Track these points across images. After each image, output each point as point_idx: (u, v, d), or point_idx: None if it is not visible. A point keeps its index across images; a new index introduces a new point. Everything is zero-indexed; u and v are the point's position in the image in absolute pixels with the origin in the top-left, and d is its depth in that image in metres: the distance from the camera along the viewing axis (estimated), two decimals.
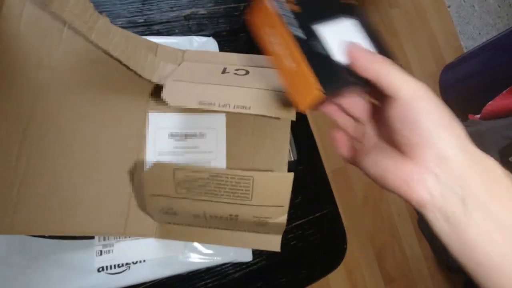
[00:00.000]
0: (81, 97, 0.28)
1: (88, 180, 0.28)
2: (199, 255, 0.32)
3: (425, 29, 1.33)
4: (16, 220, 0.25)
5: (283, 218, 0.27)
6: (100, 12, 0.27)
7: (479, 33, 1.38)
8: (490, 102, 0.97)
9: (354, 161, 0.24)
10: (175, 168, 0.25)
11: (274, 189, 0.26)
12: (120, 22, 0.36)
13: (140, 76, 0.28)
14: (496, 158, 0.18)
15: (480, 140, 0.89)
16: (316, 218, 0.40)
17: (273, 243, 0.29)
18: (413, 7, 1.33)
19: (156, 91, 0.30)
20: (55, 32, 0.27)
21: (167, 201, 0.27)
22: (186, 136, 0.31)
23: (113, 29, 0.27)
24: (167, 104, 0.24)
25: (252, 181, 0.25)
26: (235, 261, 0.34)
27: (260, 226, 0.28)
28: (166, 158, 0.30)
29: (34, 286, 0.28)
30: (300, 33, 0.20)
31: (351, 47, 0.21)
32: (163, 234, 0.30)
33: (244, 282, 0.35)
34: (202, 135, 0.31)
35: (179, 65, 0.30)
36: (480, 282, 0.18)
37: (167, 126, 0.31)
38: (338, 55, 0.21)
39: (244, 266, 0.35)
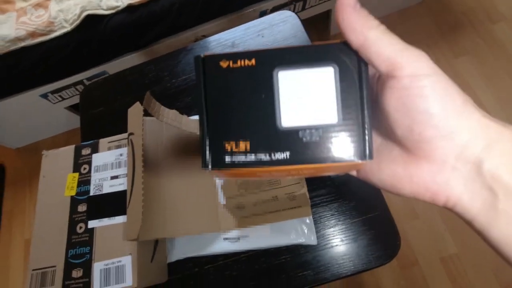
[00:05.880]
0: (178, 159, 0.47)
1: (190, 201, 0.45)
2: (277, 235, 0.48)
3: None
4: (166, 228, 0.42)
5: (304, 190, 0.42)
6: (181, 113, 0.40)
7: None
8: None
9: (358, 174, 0.20)
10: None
11: None
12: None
13: None
14: None
15: None
16: (369, 218, 0.49)
17: (305, 212, 0.42)
18: None
19: None
20: (160, 130, 0.48)
21: (237, 199, 0.45)
22: None
23: (190, 120, 0.41)
24: None
25: None
26: (305, 244, 0.48)
27: (292, 200, 0.42)
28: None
29: (187, 244, 0.50)
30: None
31: (339, 6, 0.16)
32: (242, 225, 0.44)
33: (312, 261, 0.47)
34: None
35: None
36: None
37: None
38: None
39: (312, 249, 0.48)
